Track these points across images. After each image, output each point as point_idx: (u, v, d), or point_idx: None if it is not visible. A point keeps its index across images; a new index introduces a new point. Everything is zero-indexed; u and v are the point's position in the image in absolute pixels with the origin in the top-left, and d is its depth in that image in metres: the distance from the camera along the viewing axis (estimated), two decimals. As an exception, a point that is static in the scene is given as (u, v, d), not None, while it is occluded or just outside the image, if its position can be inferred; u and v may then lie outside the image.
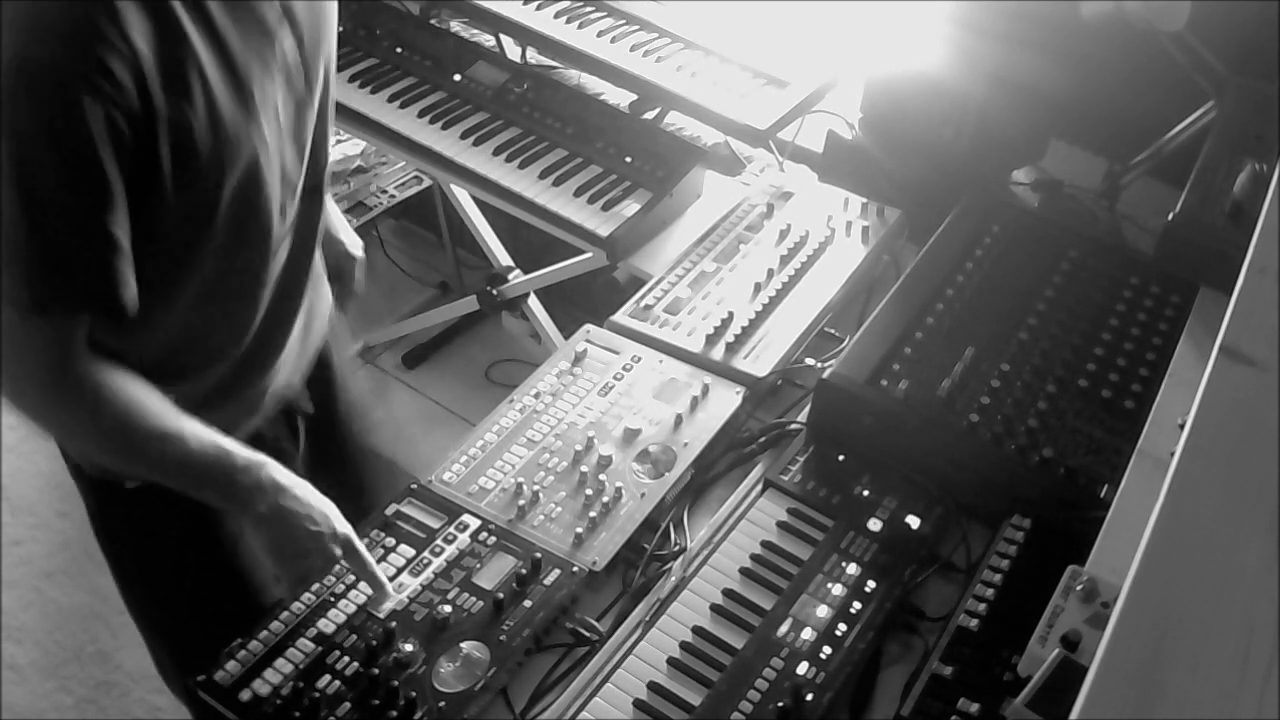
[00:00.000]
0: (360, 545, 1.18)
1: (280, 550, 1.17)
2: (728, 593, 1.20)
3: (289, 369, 1.38)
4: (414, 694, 1.09)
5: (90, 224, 0.97)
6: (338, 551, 1.17)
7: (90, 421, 1.09)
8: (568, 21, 2.06)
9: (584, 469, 1.32)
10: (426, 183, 2.87)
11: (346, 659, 1.12)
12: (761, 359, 1.48)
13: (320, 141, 1.24)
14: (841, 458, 1.33)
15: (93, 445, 1.17)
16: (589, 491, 1.30)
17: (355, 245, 1.58)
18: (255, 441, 1.37)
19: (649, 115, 2.05)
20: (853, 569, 1.21)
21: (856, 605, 1.18)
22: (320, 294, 1.44)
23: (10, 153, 0.92)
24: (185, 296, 1.15)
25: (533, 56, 2.23)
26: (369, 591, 1.18)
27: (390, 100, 2.11)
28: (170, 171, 1.00)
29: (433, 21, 2.30)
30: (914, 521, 1.26)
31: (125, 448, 1.12)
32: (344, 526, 1.17)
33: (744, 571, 1.22)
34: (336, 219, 1.56)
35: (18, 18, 0.92)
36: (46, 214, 0.95)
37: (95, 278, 0.99)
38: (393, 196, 2.83)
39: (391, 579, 1.20)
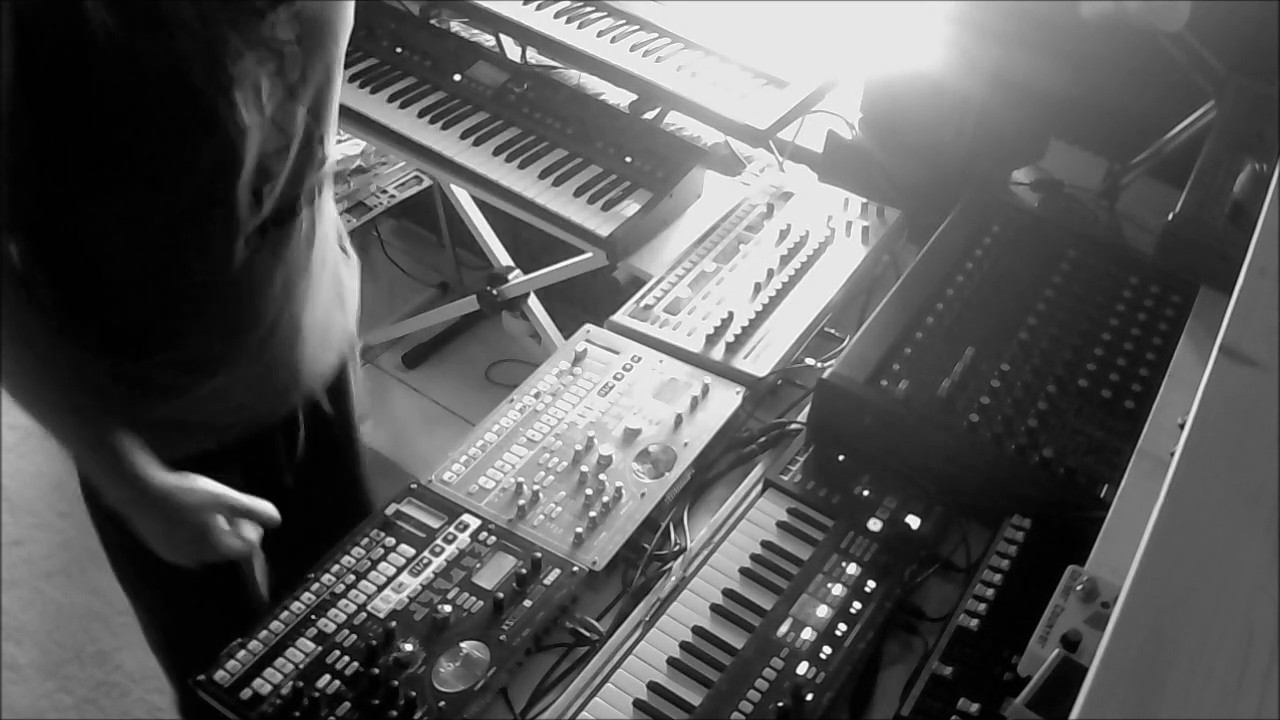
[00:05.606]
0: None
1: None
2: (728, 593, 1.20)
3: (292, 378, 1.36)
4: (414, 694, 1.09)
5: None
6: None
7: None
8: (568, 21, 2.06)
9: (584, 469, 1.32)
10: (426, 183, 2.87)
11: (346, 659, 1.12)
12: (761, 359, 1.48)
13: (315, 136, 1.22)
14: (841, 458, 1.33)
15: None
16: (589, 491, 1.30)
17: None
18: (254, 440, 1.37)
19: (649, 115, 2.04)
20: (853, 569, 1.21)
21: (856, 605, 1.18)
22: (343, 310, 1.42)
23: None
24: (151, 280, 1.16)
25: (533, 56, 2.23)
26: (369, 590, 1.18)
27: (390, 100, 2.11)
28: (112, 92, 0.99)
29: (433, 21, 2.30)
30: (914, 521, 1.26)
31: (19, 372, 1.11)
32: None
33: (744, 571, 1.22)
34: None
35: None
36: None
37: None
38: (393, 196, 2.84)
39: (391, 579, 1.20)
